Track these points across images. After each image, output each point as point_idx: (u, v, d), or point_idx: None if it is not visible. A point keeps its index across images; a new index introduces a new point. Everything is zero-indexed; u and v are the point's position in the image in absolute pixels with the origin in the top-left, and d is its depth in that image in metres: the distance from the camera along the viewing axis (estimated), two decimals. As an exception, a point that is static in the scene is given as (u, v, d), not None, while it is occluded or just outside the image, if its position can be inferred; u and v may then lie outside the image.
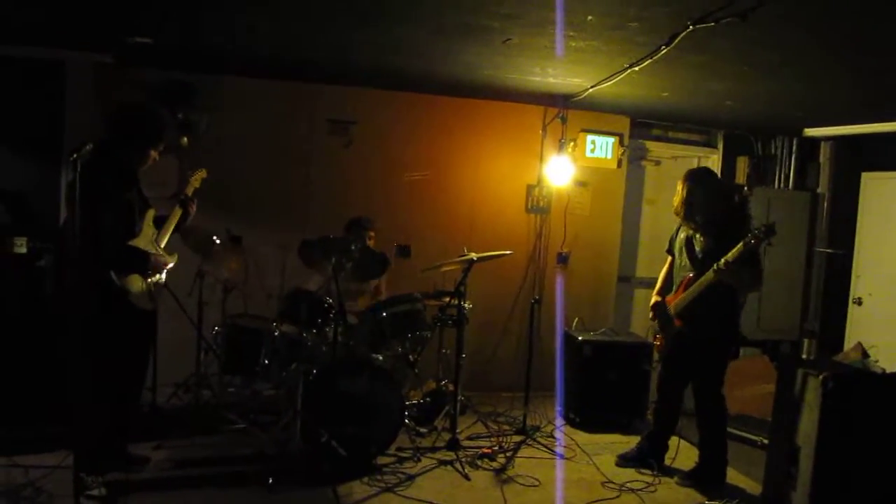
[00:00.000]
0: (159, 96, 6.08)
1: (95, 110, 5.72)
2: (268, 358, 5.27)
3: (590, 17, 4.00)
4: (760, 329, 7.79)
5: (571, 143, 7.05)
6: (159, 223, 4.58)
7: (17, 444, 4.73)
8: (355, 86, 6.74)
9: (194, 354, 5.71)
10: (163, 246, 4.54)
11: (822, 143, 7.85)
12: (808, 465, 4.17)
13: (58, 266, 4.94)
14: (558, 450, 5.61)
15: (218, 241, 5.57)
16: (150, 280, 4.39)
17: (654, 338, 5.25)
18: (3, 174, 5.73)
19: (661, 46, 4.39)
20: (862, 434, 4.14)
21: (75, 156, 3.49)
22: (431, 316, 5.81)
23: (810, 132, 7.58)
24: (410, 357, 5.62)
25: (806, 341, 7.88)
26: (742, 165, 7.75)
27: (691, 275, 4.87)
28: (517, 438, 5.74)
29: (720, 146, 7.85)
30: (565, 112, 6.89)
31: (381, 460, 5.04)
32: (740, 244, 4.46)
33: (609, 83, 5.60)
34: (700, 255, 4.87)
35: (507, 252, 5.75)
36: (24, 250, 5.09)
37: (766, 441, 5.15)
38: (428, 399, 5.91)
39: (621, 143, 7.34)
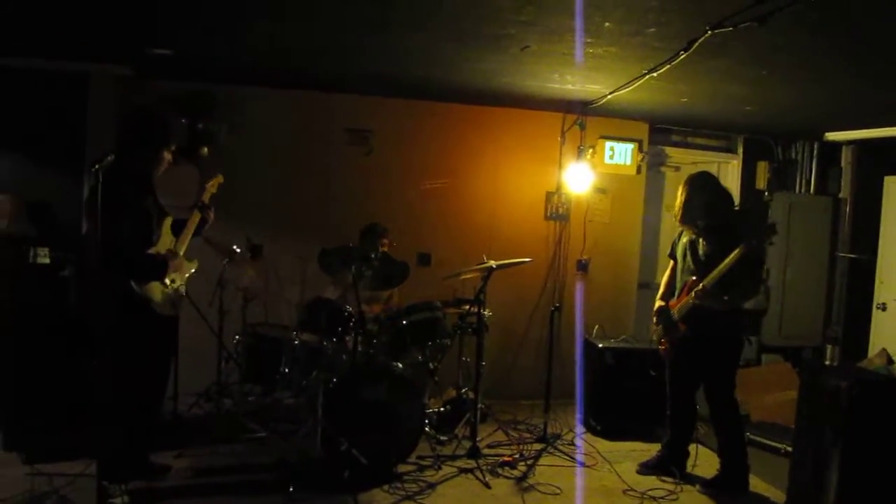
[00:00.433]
0: (179, 107, 6.13)
1: (118, 120, 5.77)
2: (288, 366, 5.28)
3: (607, 24, 3.99)
4: (782, 335, 7.74)
5: (590, 150, 7.04)
6: (177, 230, 4.60)
7: (41, 453, 4.78)
8: (374, 95, 6.76)
9: (215, 363, 5.74)
10: (182, 253, 4.57)
11: (844, 147, 7.78)
12: (832, 474, 4.13)
13: (80, 276, 4.97)
14: (579, 457, 5.58)
15: (238, 251, 5.60)
16: (170, 286, 4.41)
17: (659, 343, 5.22)
18: (27, 185, 5.79)
19: (679, 52, 4.38)
20: (887, 441, 4.09)
21: (97, 166, 3.53)
22: (451, 324, 5.80)
23: (831, 136, 7.52)
24: (430, 365, 5.62)
25: (829, 347, 7.81)
26: (762, 170, 7.71)
27: (694, 279, 4.85)
28: (538, 446, 5.72)
29: (740, 151, 7.82)
30: (584, 119, 6.88)
31: (402, 468, 5.03)
32: (736, 251, 4.46)
33: (628, 89, 5.59)
34: (703, 259, 4.85)
35: (527, 260, 5.75)
36: (47, 261, 5.14)
37: (789, 449, 5.10)
38: (448, 407, 5.91)
39: (640, 149, 7.32)
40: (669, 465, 5.18)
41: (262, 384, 5.66)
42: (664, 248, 7.87)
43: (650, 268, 7.87)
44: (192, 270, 4.69)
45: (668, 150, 7.74)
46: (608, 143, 7.20)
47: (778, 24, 3.62)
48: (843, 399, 4.10)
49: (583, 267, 7.34)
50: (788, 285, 7.76)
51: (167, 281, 4.37)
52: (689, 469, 5.21)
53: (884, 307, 7.37)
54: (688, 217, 4.92)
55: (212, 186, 4.98)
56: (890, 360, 6.52)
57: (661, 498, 4.83)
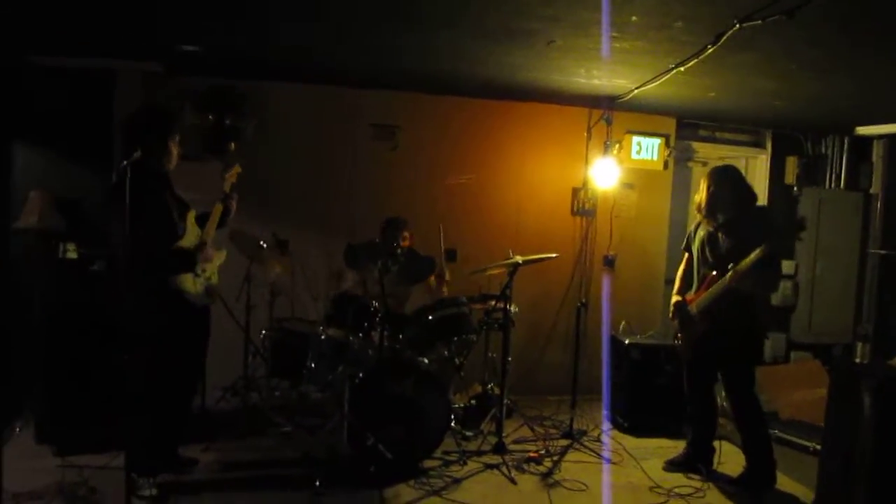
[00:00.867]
0: (206, 103, 6.17)
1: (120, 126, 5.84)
2: (314, 361, 5.30)
3: (634, 18, 3.97)
4: (812, 332, 7.66)
5: (617, 145, 6.99)
6: (202, 223, 4.63)
7: (72, 445, 4.85)
8: (400, 90, 6.77)
9: (242, 358, 5.78)
10: (209, 243, 4.59)
11: (875, 142, 7.68)
12: (862, 473, 4.08)
13: (110, 271, 5.02)
14: (605, 454, 5.56)
15: (265, 246, 5.64)
16: (202, 276, 4.46)
17: (675, 338, 5.19)
18: (58, 182, 5.87)
19: (706, 46, 4.34)
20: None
21: (125, 162, 3.56)
22: (477, 319, 5.80)
23: (862, 131, 7.41)
24: (456, 360, 5.62)
25: (859, 345, 7.72)
26: (791, 166, 7.62)
27: (714, 273, 4.81)
28: (564, 442, 5.70)
29: (769, 146, 7.74)
30: (610, 113, 6.84)
31: (427, 464, 5.04)
32: (758, 250, 4.42)
33: (654, 84, 5.55)
34: (724, 253, 4.80)
35: (553, 255, 5.73)
36: (74, 255, 5.19)
37: (818, 447, 5.05)
38: (474, 402, 5.92)
39: (667, 144, 7.27)
40: (696, 462, 5.15)
41: (289, 379, 5.68)
42: (692, 244, 7.83)
43: (677, 263, 7.79)
44: (222, 260, 4.73)
45: (696, 145, 7.68)
46: (635, 138, 7.16)
47: (807, 17, 3.58)
48: (873, 397, 4.05)
49: (609, 263, 7.31)
50: (818, 281, 7.67)
51: (198, 271, 4.41)
52: (715, 466, 5.17)
53: (916, 304, 7.28)
54: (710, 210, 4.88)
55: (231, 176, 4.98)
56: (922, 358, 6.43)
57: (688, 495, 4.79)
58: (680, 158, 7.67)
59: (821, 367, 6.93)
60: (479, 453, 5.35)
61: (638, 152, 7.19)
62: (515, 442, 5.63)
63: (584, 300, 6.32)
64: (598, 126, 7.00)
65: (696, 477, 5.07)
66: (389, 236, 5.89)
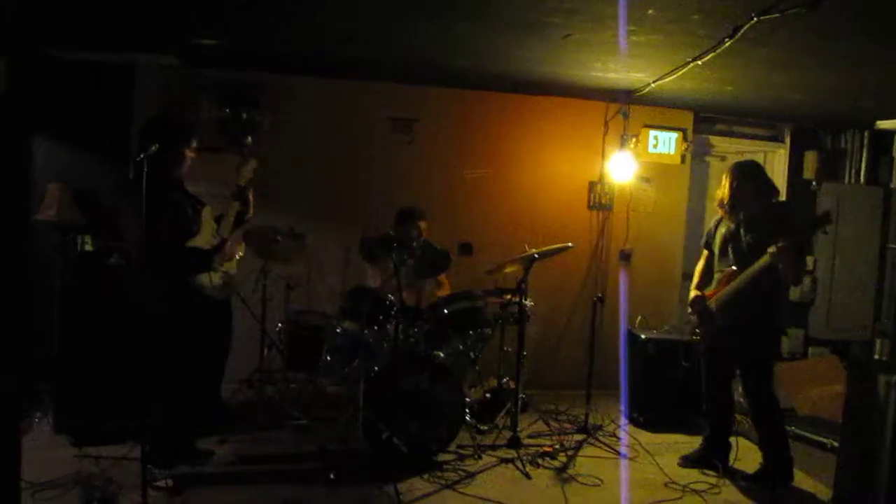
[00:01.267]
0: (223, 96, 6.19)
1: (163, 110, 5.86)
2: (330, 354, 5.34)
3: (650, 11, 3.95)
4: (830, 328, 7.60)
5: (634, 139, 6.96)
6: (219, 221, 4.65)
7: (89, 436, 4.90)
8: (417, 84, 6.77)
9: (258, 350, 5.80)
10: (230, 238, 4.61)
11: (896, 136, 7.61)
12: (881, 469, 4.04)
13: (129, 265, 5.05)
14: (621, 449, 5.55)
15: (281, 239, 5.65)
16: (217, 274, 4.47)
17: (693, 334, 5.16)
18: (77, 175, 5.91)
19: (724, 39, 4.31)
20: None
21: (142, 156, 3.58)
22: (493, 313, 5.80)
23: (883, 125, 7.34)
24: (471, 354, 5.62)
25: (878, 341, 7.60)
26: (810, 160, 7.55)
27: (734, 269, 4.78)
28: (579, 437, 5.69)
29: (787, 140, 7.68)
30: (627, 107, 6.81)
31: (442, 457, 5.05)
32: (794, 234, 4.38)
33: (671, 77, 5.52)
34: (745, 249, 4.77)
35: (569, 245, 5.68)
36: (91, 248, 5.23)
37: (835, 444, 5.02)
38: (489, 396, 5.91)
39: (685, 138, 7.23)
40: (712, 458, 5.13)
41: (305, 372, 5.72)
42: (709, 239, 7.79)
43: (694, 258, 7.75)
44: (242, 252, 4.74)
45: (713, 139, 7.64)
46: (652, 132, 7.13)
47: (825, 10, 3.55)
48: (891, 393, 4.02)
49: (626, 257, 7.29)
50: (837, 277, 7.61)
51: (216, 266, 4.43)
52: (731, 462, 5.15)
53: (935, 300, 7.22)
54: (732, 205, 4.85)
55: (247, 171, 4.95)
56: (941, 355, 6.36)
57: (703, 491, 4.77)
58: (697, 153, 7.63)
59: (839, 364, 6.88)
60: (494, 447, 5.35)
61: (655, 146, 7.16)
62: (530, 436, 5.63)
63: (600, 295, 6.30)
64: (615, 120, 6.97)
65: (712, 473, 5.04)
66: (406, 227, 5.88)
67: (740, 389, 5.05)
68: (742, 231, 4.83)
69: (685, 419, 6.04)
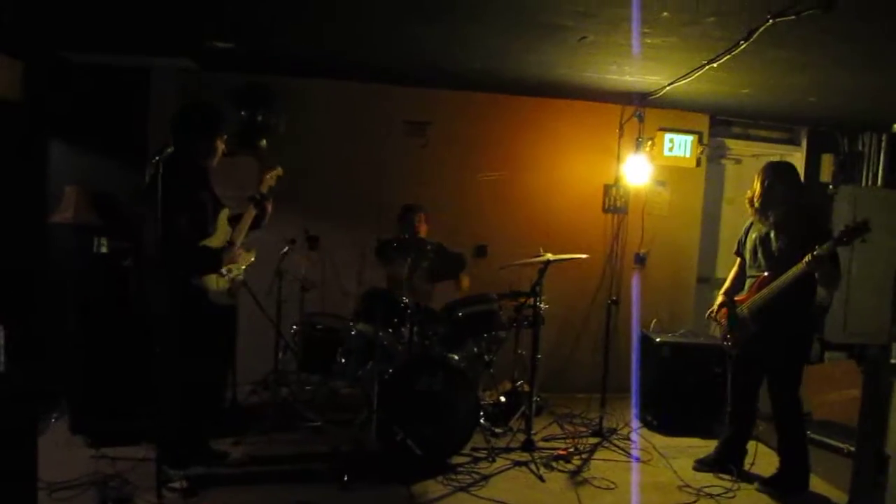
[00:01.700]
0: (239, 99, 6.22)
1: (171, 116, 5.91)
2: (344, 356, 5.36)
3: (665, 14, 3.94)
4: (847, 332, 7.54)
5: (649, 142, 6.94)
6: (234, 223, 4.67)
7: (105, 437, 4.94)
8: (431, 87, 6.78)
9: (273, 352, 5.82)
10: (239, 244, 4.63)
11: (914, 139, 7.55)
12: (896, 473, 4.02)
13: (138, 266, 5.09)
14: (635, 453, 5.54)
15: (296, 242, 5.68)
16: (226, 276, 4.48)
17: (724, 339, 5.12)
18: (94, 177, 5.96)
19: (739, 41, 4.29)
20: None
21: (157, 158, 3.61)
22: (507, 316, 5.80)
23: (900, 128, 7.31)
24: (486, 357, 5.62)
25: (894, 345, 7.58)
26: (827, 163, 7.51)
27: (766, 274, 4.74)
28: (593, 440, 5.69)
29: (804, 143, 7.63)
30: (642, 110, 6.78)
31: (456, 460, 5.05)
32: (830, 241, 4.31)
33: (687, 80, 5.50)
34: (776, 254, 4.73)
35: (583, 256, 5.71)
36: (105, 250, 5.27)
37: (852, 448, 4.98)
38: (503, 399, 5.91)
39: (700, 141, 7.19)
40: (727, 462, 5.11)
41: (319, 374, 5.75)
42: (724, 242, 7.76)
43: (709, 262, 7.75)
44: (251, 261, 4.76)
45: (729, 142, 7.61)
46: (667, 135, 7.09)
47: (841, 11, 3.53)
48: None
49: (641, 260, 7.27)
50: (854, 281, 7.55)
51: (223, 270, 4.44)
52: (747, 467, 5.12)
53: (954, 304, 7.15)
54: (763, 205, 4.78)
55: (270, 178, 5.02)
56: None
57: (718, 495, 4.76)
58: (713, 156, 7.60)
59: (855, 368, 6.83)
60: (508, 450, 5.35)
61: (670, 149, 7.12)
62: (544, 439, 5.63)
63: (614, 298, 6.28)
64: (631, 123, 6.94)
65: (727, 477, 5.02)
66: (406, 223, 5.91)
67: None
68: (772, 235, 4.78)
69: (700, 423, 6.02)
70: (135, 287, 5.17)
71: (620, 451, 5.53)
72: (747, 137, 7.60)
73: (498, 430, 5.63)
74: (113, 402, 5.05)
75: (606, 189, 7.21)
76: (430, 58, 5.57)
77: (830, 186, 7.50)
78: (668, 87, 5.91)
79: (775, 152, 7.67)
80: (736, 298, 5.00)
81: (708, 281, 7.72)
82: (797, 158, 7.60)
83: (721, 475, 5.06)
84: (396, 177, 6.79)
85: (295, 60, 6.03)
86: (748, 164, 7.79)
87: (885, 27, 3.97)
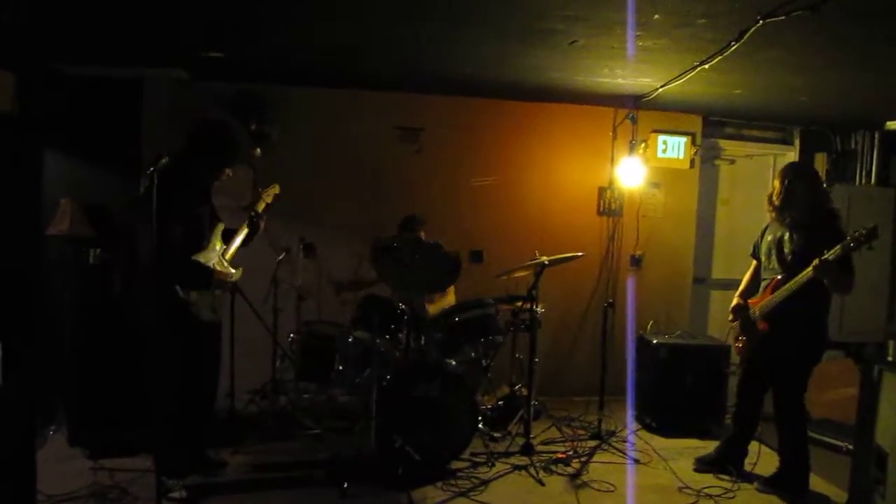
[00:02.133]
0: (231, 108, 6.22)
1: (170, 124, 5.91)
2: (342, 364, 5.36)
3: (656, 16, 3.95)
4: (843, 331, 7.56)
5: (642, 144, 6.95)
6: (227, 237, 4.68)
7: (104, 448, 4.93)
8: (423, 93, 6.79)
9: (270, 361, 5.82)
10: (228, 259, 4.64)
11: (906, 136, 7.56)
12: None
13: (126, 277, 5.10)
14: (634, 455, 5.53)
15: (290, 251, 5.68)
16: (210, 298, 4.47)
17: (736, 341, 5.12)
18: (88, 188, 5.94)
19: (730, 42, 4.31)
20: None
21: (152, 169, 3.61)
22: (504, 320, 5.80)
23: (893, 125, 7.30)
24: (484, 362, 5.63)
25: (891, 343, 7.58)
26: (820, 162, 7.52)
27: (779, 277, 4.74)
28: (592, 443, 5.69)
29: (797, 143, 7.64)
30: (635, 113, 6.80)
31: (455, 465, 5.05)
32: (837, 247, 4.30)
33: (679, 82, 5.52)
34: (789, 257, 4.71)
35: (579, 254, 5.70)
36: (99, 261, 5.27)
37: (850, 446, 4.99)
38: (501, 404, 5.91)
39: (693, 142, 7.20)
40: (727, 462, 5.11)
41: (317, 381, 5.74)
42: (719, 243, 7.78)
43: (705, 263, 7.76)
44: (237, 278, 4.76)
45: (722, 142, 7.62)
46: (661, 137, 7.09)
47: (830, 12, 3.55)
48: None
49: (636, 262, 7.28)
50: (849, 279, 7.57)
51: (211, 290, 4.44)
52: (748, 467, 5.12)
53: (949, 301, 7.17)
54: (783, 204, 4.76)
55: (267, 196, 5.04)
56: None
57: (718, 496, 4.76)
58: (706, 157, 7.61)
59: (852, 366, 6.84)
60: (507, 454, 5.35)
61: (664, 151, 7.12)
62: (543, 443, 5.63)
63: (611, 300, 6.29)
64: (624, 125, 6.97)
65: (726, 477, 5.03)
66: (408, 233, 5.92)
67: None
68: (787, 237, 4.76)
69: (698, 424, 6.03)
70: (128, 297, 5.16)
71: (620, 454, 5.53)
72: (740, 138, 7.62)
73: (497, 435, 5.63)
74: (111, 414, 5.05)
75: (601, 192, 7.22)
76: (422, 63, 5.58)
77: (824, 185, 7.51)
78: (660, 89, 5.93)
79: (769, 152, 7.70)
80: (749, 301, 5.00)
81: (704, 282, 7.74)
82: (790, 158, 7.62)
83: (720, 475, 5.07)
84: (391, 183, 6.80)
85: (287, 68, 6.03)
86: (742, 164, 7.81)
87: (875, 27, 3.99)
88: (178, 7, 4.27)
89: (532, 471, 5.05)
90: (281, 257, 5.74)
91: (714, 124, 7.46)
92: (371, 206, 6.72)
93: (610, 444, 5.67)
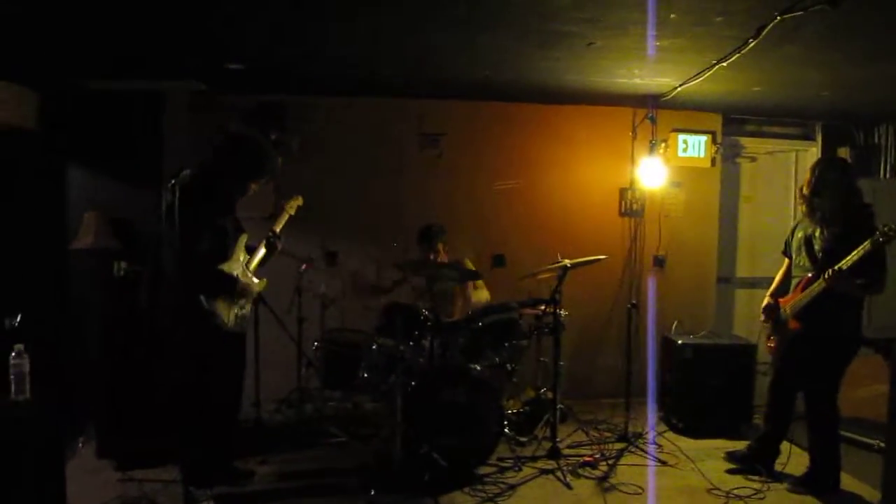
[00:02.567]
0: (252, 119, 6.27)
1: (192, 136, 5.96)
2: (367, 371, 5.36)
3: (672, 16, 3.94)
4: (871, 327, 7.45)
5: (663, 144, 6.92)
6: (250, 248, 4.70)
7: (132, 459, 4.97)
8: (443, 98, 6.80)
9: (295, 370, 5.85)
10: (252, 270, 4.66)
11: (930, 129, 7.48)
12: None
13: (152, 289, 5.14)
14: (661, 456, 5.50)
15: (313, 260, 5.71)
16: (237, 306, 4.49)
17: (768, 340, 5.08)
18: (112, 202, 5.99)
19: (748, 40, 4.28)
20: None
21: (174, 181, 3.64)
22: (528, 324, 5.79)
23: (916, 118, 7.24)
24: (508, 366, 5.61)
25: (921, 338, 7.50)
26: (843, 157, 7.46)
27: (810, 275, 4.68)
28: (619, 446, 5.66)
29: (818, 138, 7.58)
30: (655, 112, 6.76)
31: (482, 470, 5.03)
32: (866, 243, 4.26)
33: (697, 80, 5.49)
34: (820, 254, 4.66)
35: (602, 257, 5.69)
36: (122, 274, 5.31)
37: (882, 444, 4.92)
38: (527, 408, 5.90)
39: (714, 140, 7.15)
40: (757, 460, 5.06)
41: (342, 389, 5.76)
42: (743, 241, 7.73)
43: (729, 261, 7.70)
44: (262, 289, 4.78)
45: (743, 140, 7.58)
46: (681, 136, 7.05)
47: (849, 5, 3.52)
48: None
49: (659, 263, 7.24)
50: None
51: (235, 298, 4.46)
52: (778, 468, 5.07)
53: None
54: (811, 195, 4.72)
55: (290, 208, 5.08)
56: None
57: (748, 497, 4.72)
58: (728, 155, 7.57)
59: (882, 362, 6.76)
60: (534, 458, 5.33)
61: (684, 150, 7.08)
62: (570, 446, 5.60)
63: (634, 301, 6.25)
64: (644, 125, 6.93)
65: (756, 478, 4.98)
66: (426, 245, 5.94)
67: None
68: (818, 234, 4.71)
69: (726, 424, 5.98)
70: (153, 309, 5.21)
71: (647, 456, 5.49)
72: (761, 135, 7.57)
73: (523, 439, 5.61)
74: (138, 425, 5.07)
75: (622, 193, 7.20)
76: (441, 68, 5.59)
77: (855, 180, 7.43)
78: (679, 88, 5.90)
79: (791, 148, 7.64)
80: (781, 301, 4.96)
81: (728, 281, 7.69)
82: (813, 153, 7.56)
83: (750, 476, 5.02)
84: (412, 189, 6.82)
85: (306, 78, 6.06)
86: (763, 161, 7.75)
87: (893, 20, 3.94)
88: (195, 22, 4.31)
89: (559, 474, 5.03)
90: (303, 268, 5.77)
91: (734, 122, 7.41)
92: (393, 213, 6.74)
93: (637, 447, 5.64)
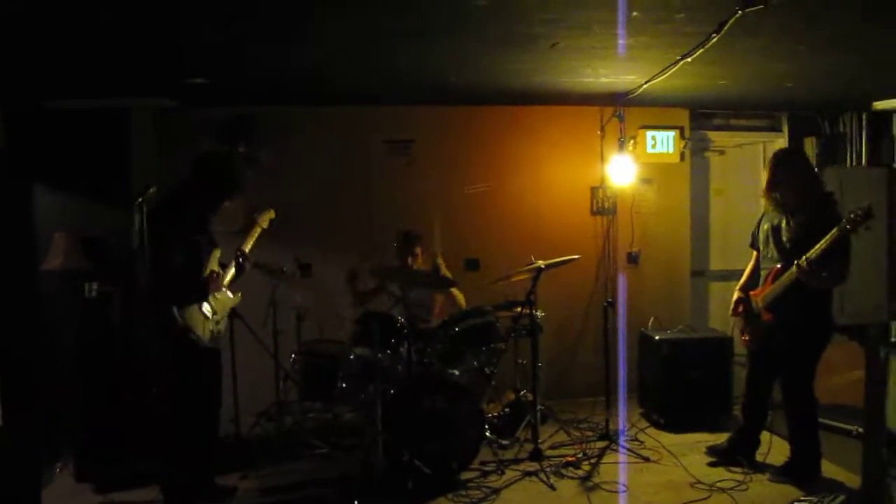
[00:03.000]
0: (220, 133, 6.22)
1: (160, 152, 5.90)
2: (345, 381, 5.33)
3: (635, 13, 3.94)
4: (845, 314, 7.52)
5: (631, 141, 6.95)
6: (223, 266, 4.69)
7: (112, 482, 4.91)
8: (411, 104, 6.79)
9: (273, 383, 5.80)
10: (225, 285, 4.67)
11: (895, 115, 7.55)
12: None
13: (124, 307, 5.12)
14: (643, 453, 5.51)
15: (285, 271, 5.67)
16: (212, 321, 4.46)
17: (742, 333, 5.11)
18: (81, 221, 5.91)
19: (711, 34, 4.29)
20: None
21: (140, 199, 3.61)
22: (505, 327, 5.78)
23: (879, 105, 7.29)
24: (487, 370, 5.60)
25: (893, 324, 7.57)
26: (810, 146, 7.52)
27: (779, 266, 4.72)
28: (601, 444, 5.67)
29: (785, 129, 7.65)
30: (622, 110, 6.79)
31: (465, 475, 5.02)
32: (834, 230, 4.29)
33: (663, 77, 5.50)
34: (787, 245, 4.70)
35: (575, 257, 5.70)
36: (94, 295, 5.26)
37: (860, 430, 4.96)
38: (508, 411, 5.90)
39: (682, 135, 7.21)
40: (737, 453, 5.10)
41: (321, 400, 5.72)
42: (715, 235, 7.77)
43: (702, 255, 7.75)
44: (236, 303, 4.78)
45: (711, 134, 7.62)
46: (649, 133, 7.10)
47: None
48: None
49: (633, 259, 7.27)
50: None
51: (208, 313, 4.44)
52: (759, 458, 5.11)
53: (949, 277, 7.14)
54: (774, 191, 4.77)
55: (263, 221, 5.07)
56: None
57: (731, 489, 4.74)
58: (696, 149, 7.61)
59: (857, 349, 6.82)
60: (517, 461, 5.33)
61: (653, 146, 7.13)
62: (552, 447, 5.61)
63: (610, 299, 6.25)
64: (612, 123, 6.95)
65: (738, 469, 5.01)
66: (404, 251, 5.93)
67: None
68: (784, 225, 4.76)
69: (706, 417, 6.01)
70: (127, 328, 5.16)
71: (629, 453, 5.51)
72: (729, 128, 7.63)
73: (505, 442, 5.60)
74: (116, 447, 5.02)
75: (593, 191, 7.22)
76: (408, 76, 5.58)
77: (815, 169, 7.50)
78: (645, 86, 5.91)
79: (758, 140, 7.71)
80: (751, 293, 4.99)
81: (702, 274, 7.73)
82: (780, 144, 7.61)
83: (732, 468, 5.05)
84: (383, 197, 6.81)
85: (271, 90, 6.03)
86: (732, 154, 7.81)
87: (853, 8, 3.98)
88: (156, 39, 4.27)
89: (543, 476, 5.03)
90: (276, 282, 5.73)
91: (702, 116, 7.46)
92: (365, 221, 6.72)
93: (619, 444, 5.65)
